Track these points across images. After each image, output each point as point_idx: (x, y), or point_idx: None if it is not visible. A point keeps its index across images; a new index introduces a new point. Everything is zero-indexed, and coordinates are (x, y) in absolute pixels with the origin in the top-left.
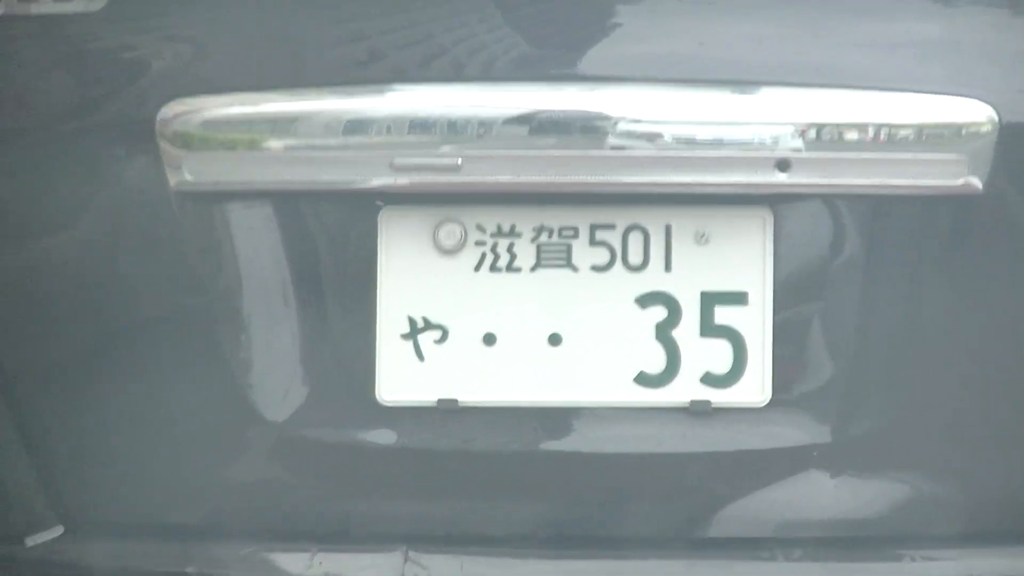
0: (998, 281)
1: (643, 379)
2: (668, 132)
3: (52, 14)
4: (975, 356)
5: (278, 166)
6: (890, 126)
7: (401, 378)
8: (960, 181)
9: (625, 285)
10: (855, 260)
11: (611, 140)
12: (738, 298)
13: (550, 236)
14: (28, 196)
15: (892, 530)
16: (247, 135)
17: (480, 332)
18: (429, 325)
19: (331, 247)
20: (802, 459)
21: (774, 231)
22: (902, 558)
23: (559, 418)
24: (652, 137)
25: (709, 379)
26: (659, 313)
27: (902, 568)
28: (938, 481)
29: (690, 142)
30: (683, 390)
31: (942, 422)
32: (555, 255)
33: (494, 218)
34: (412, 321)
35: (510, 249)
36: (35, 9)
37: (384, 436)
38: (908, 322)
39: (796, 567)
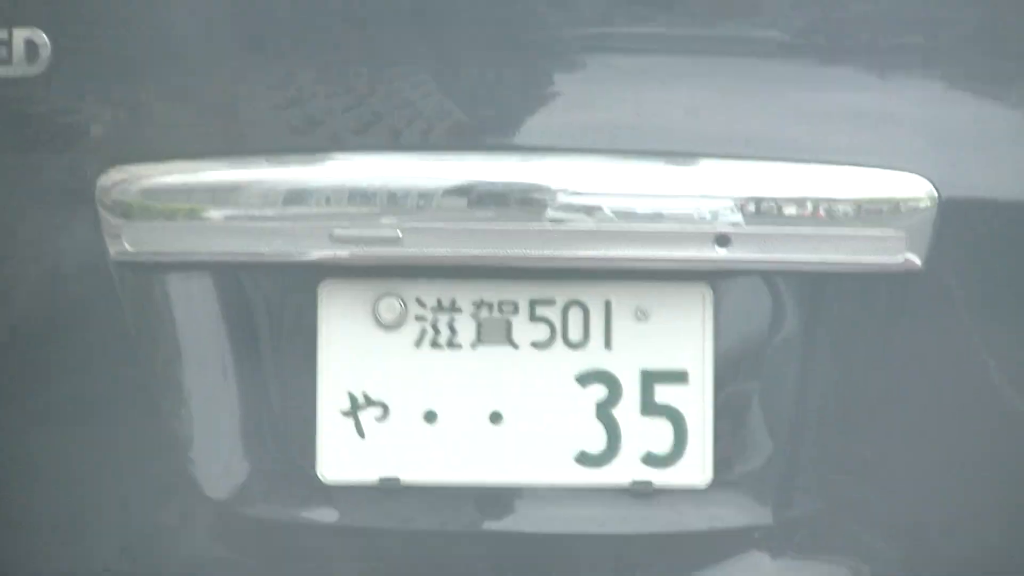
0: (938, 358)
1: (584, 459)
2: (606, 205)
3: None
4: (916, 434)
5: (217, 236)
6: (829, 201)
7: (342, 455)
8: (899, 258)
9: (565, 362)
10: (795, 337)
11: (549, 213)
12: (678, 376)
13: (490, 311)
14: None
15: None
16: (186, 204)
17: (421, 409)
18: (370, 402)
19: (271, 319)
20: (744, 540)
21: (714, 307)
22: None
23: (501, 498)
24: (590, 210)
25: (650, 459)
26: (599, 391)
27: None
28: (879, 562)
29: (628, 216)
30: (624, 470)
31: (883, 501)
32: (495, 331)
33: (434, 292)
34: (353, 397)
35: (450, 324)
36: None
37: (326, 515)
38: (849, 400)
39: None
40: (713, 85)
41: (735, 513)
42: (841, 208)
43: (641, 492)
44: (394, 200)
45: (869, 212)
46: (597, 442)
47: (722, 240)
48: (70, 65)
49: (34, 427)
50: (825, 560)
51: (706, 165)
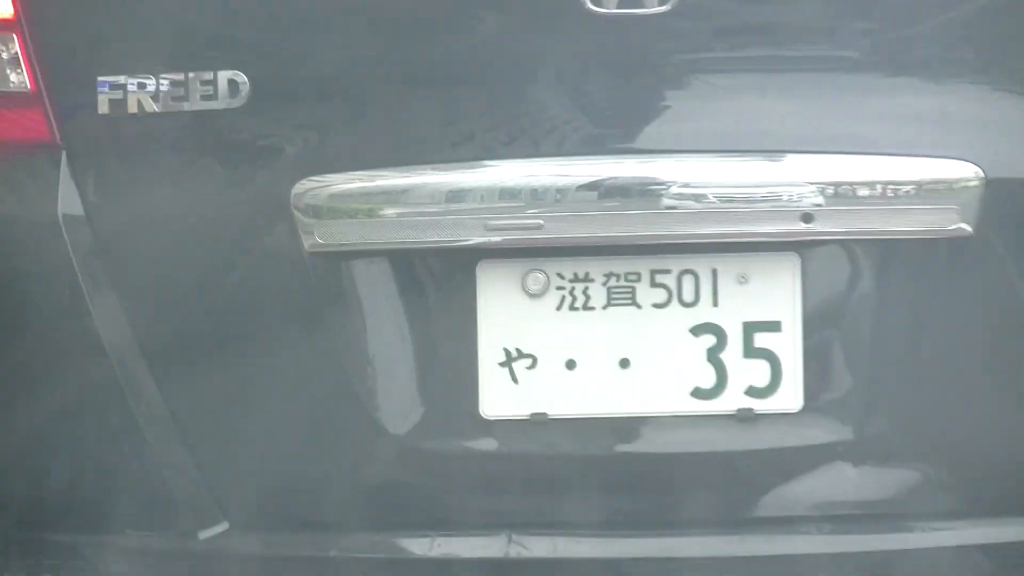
0: (987, 307)
1: (698, 393)
2: (711, 193)
3: (202, 110)
4: (970, 369)
5: (392, 229)
6: (895, 183)
7: (500, 397)
8: (954, 227)
9: (680, 318)
10: (869, 293)
11: (664, 201)
12: (773, 326)
13: (618, 280)
14: (191, 259)
15: (905, 508)
16: (366, 205)
17: (563, 359)
18: (521, 354)
19: (438, 293)
20: (830, 453)
21: (802, 271)
22: (912, 529)
23: (630, 426)
24: (698, 197)
25: (752, 391)
26: (709, 340)
27: (911, 538)
28: (939, 467)
29: (730, 200)
30: (730, 401)
31: (942, 421)
32: (622, 296)
33: (571, 267)
34: (507, 352)
35: (585, 292)
36: (187, 107)
37: (487, 444)
38: (913, 343)
39: (827, 539)
40: (797, 96)
41: (823, 432)
42: (904, 189)
43: (745, 417)
44: (536, 195)
45: (927, 191)
46: (708, 379)
47: (807, 217)
48: (266, 98)
49: (254, 388)
50: (894, 469)
51: (792, 158)
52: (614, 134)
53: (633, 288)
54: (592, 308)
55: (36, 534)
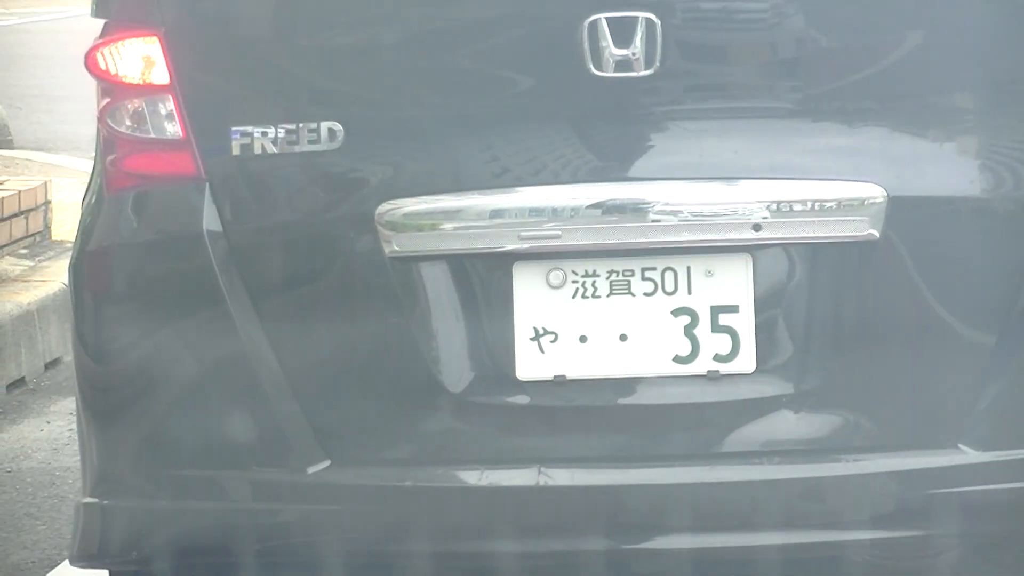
0: (891, 293)
1: (678, 359)
2: (687, 210)
3: (308, 151)
4: (879, 339)
5: (450, 239)
6: (821, 201)
7: (530, 363)
8: (865, 233)
9: (664, 303)
10: (803, 283)
11: (651, 216)
12: (733, 308)
13: (617, 275)
14: (302, 261)
15: (831, 444)
16: (430, 221)
17: (577, 335)
18: (546, 332)
19: (484, 286)
20: (776, 403)
21: (753, 267)
22: (838, 460)
23: (628, 384)
24: (676, 213)
25: (718, 357)
26: (685, 319)
27: (836, 467)
28: (858, 413)
29: (700, 215)
30: (702, 365)
31: (860, 378)
32: (621, 287)
33: (582, 266)
34: (535, 329)
35: (593, 284)
36: (297, 149)
37: (522, 399)
38: (837, 320)
39: (774, 468)
40: (748, 136)
41: (770, 388)
42: (828, 204)
43: (713, 377)
44: (555, 213)
45: (845, 206)
46: (685, 349)
47: (757, 227)
48: (356, 142)
49: (347, 355)
50: (826, 414)
51: (745, 183)
52: (613, 166)
53: (629, 281)
54: (599, 296)
55: (180, 471)
